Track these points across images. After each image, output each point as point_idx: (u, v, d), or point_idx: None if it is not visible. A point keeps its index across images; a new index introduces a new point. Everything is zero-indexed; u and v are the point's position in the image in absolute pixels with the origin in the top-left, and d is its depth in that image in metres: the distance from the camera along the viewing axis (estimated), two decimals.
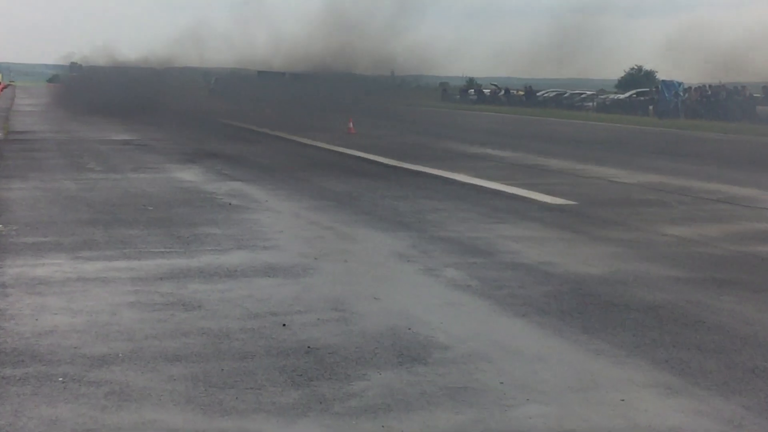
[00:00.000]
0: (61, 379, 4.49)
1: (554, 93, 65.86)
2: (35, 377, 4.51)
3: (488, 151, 20.80)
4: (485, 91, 73.66)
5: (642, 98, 52.63)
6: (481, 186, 13.22)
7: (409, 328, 5.49)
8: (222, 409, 4.15)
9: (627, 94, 57.37)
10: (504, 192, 12.52)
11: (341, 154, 19.09)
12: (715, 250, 8.33)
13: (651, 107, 48.29)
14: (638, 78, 73.45)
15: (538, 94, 66.04)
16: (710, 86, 47.80)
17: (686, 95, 46.26)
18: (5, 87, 78.40)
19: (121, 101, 36.95)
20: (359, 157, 18.24)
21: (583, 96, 61.84)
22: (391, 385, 4.49)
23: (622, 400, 4.36)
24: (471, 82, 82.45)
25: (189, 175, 14.02)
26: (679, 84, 46.57)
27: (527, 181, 14.12)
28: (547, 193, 12.38)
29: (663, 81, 49.46)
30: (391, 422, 4.07)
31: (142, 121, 31.67)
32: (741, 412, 4.26)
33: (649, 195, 12.57)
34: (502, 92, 70.86)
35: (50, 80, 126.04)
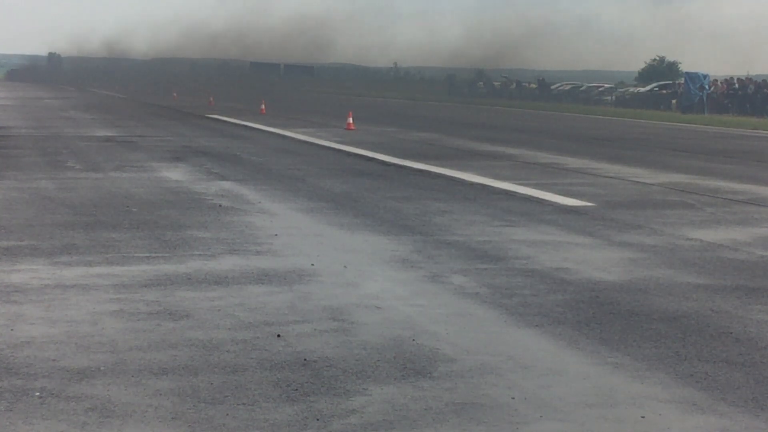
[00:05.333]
0: (38, 393, 4.50)
1: (570, 86, 65.96)
2: (10, 392, 4.51)
3: (499, 148, 20.82)
4: (495, 83, 73.76)
5: (664, 91, 52.68)
6: (492, 186, 13.23)
7: (414, 339, 5.49)
8: (211, 426, 4.16)
9: (648, 87, 57.42)
10: (516, 193, 12.53)
11: (339, 151, 19.11)
12: (743, 256, 8.33)
13: (674, 101, 48.33)
14: (660, 70, 73.49)
15: (552, 87, 66.11)
16: (738, 79, 47.83)
17: (712, 88, 46.24)
18: None
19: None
20: (359, 154, 18.26)
21: (600, 89, 61.94)
22: (394, 400, 4.50)
23: (643, 417, 4.36)
24: (480, 74, 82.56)
25: (176, 174, 14.04)
26: (705, 76, 46.56)
27: (541, 180, 14.13)
28: (563, 194, 12.39)
29: (687, 73, 49.48)
30: None
31: (125, 116, 31.72)
32: None
33: (672, 196, 12.58)
34: (514, 85, 70.94)
35: (9, 73, 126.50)
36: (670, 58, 76.66)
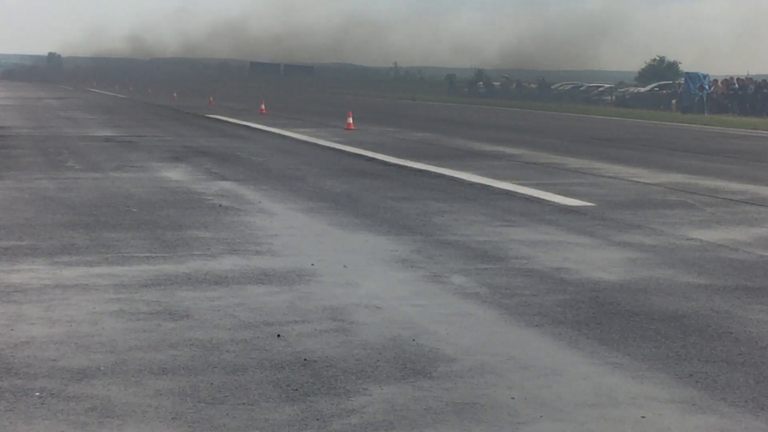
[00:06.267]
0: (38, 393, 4.50)
1: (570, 86, 65.99)
2: (10, 392, 4.51)
3: (499, 148, 20.82)
4: (495, 83, 73.79)
5: (664, 91, 52.71)
6: (492, 186, 13.23)
7: (414, 339, 5.49)
8: (211, 426, 4.16)
9: (648, 87, 57.45)
10: (516, 192, 12.52)
11: (339, 151, 19.10)
12: (743, 256, 8.33)
13: (674, 101, 48.35)
14: (660, 70, 73.56)
15: (552, 87, 66.14)
16: (738, 79, 47.84)
17: (712, 88, 46.25)
18: None
19: None
20: (359, 154, 18.25)
21: (600, 89, 61.98)
22: (394, 400, 4.50)
23: (643, 417, 4.36)
24: (480, 74, 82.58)
25: (176, 174, 14.04)
26: (705, 76, 46.58)
27: (541, 180, 14.13)
28: (563, 193, 12.39)
29: (687, 73, 49.51)
30: None
31: (125, 116, 31.74)
32: None
33: (672, 196, 12.57)
34: (514, 85, 70.96)
35: (5, 72, 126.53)
36: (670, 58, 76.79)
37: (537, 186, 13.25)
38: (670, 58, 76.22)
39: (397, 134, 25.34)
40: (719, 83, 47.59)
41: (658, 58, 76.65)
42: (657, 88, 55.20)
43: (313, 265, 7.52)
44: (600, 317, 6.10)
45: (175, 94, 57.57)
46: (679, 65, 74.15)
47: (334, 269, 7.40)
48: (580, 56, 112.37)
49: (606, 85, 64.31)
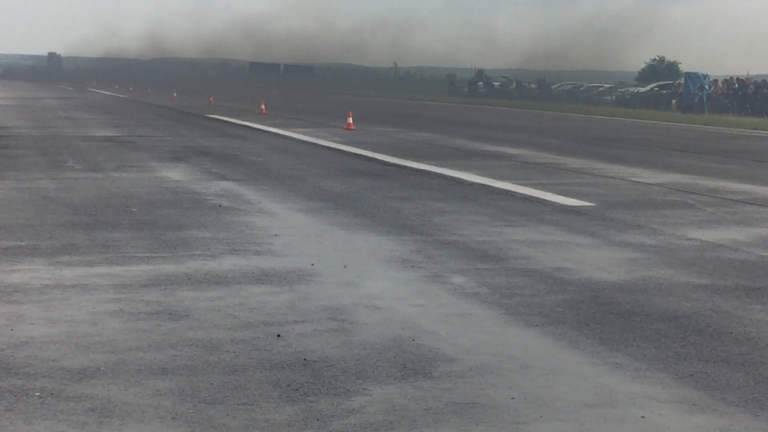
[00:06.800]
0: (38, 393, 4.50)
1: (570, 86, 65.98)
2: (10, 392, 4.51)
3: (499, 148, 20.82)
4: (495, 83, 73.80)
5: (664, 91, 52.72)
6: (492, 186, 13.23)
7: (414, 339, 5.49)
8: (211, 426, 4.16)
9: (648, 87, 57.45)
10: (516, 193, 12.53)
11: (339, 151, 19.10)
12: (743, 256, 8.33)
13: (674, 101, 48.36)
14: (660, 70, 73.57)
15: (552, 87, 66.15)
16: (738, 79, 47.86)
17: (712, 88, 46.25)
18: None
19: None
20: (359, 154, 18.25)
21: (600, 89, 61.96)
22: (394, 400, 4.50)
23: (643, 417, 4.36)
24: (480, 74, 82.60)
25: (176, 174, 14.04)
26: (705, 76, 46.59)
27: (541, 180, 14.13)
28: (563, 193, 12.39)
29: (687, 73, 49.52)
30: None
31: (125, 116, 31.75)
32: None
33: (672, 196, 12.57)
34: (514, 85, 70.96)
35: (3, 72, 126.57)
36: (670, 58, 76.82)
37: (537, 186, 13.25)
38: (689, 58, 76.23)
39: (397, 134, 25.34)
40: (719, 83, 47.61)
41: (658, 58, 76.64)
42: (657, 88, 55.20)
43: (313, 265, 7.52)
44: (600, 317, 6.10)
45: (174, 94, 57.57)
46: (679, 65, 74.15)
47: (334, 269, 7.40)
48: (608, 56, 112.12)
49: (606, 85, 64.30)
